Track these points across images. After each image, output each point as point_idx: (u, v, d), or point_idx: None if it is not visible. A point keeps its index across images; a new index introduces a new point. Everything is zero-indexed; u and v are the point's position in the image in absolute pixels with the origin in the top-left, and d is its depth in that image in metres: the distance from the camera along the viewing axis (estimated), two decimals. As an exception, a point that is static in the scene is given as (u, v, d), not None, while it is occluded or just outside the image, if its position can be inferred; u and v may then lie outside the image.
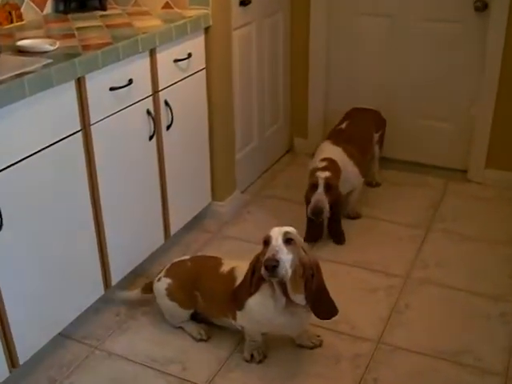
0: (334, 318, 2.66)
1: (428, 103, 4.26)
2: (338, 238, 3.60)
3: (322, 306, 2.58)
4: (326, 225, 3.61)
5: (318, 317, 2.59)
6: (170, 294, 2.82)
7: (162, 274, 2.89)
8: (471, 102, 4.10)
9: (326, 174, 3.44)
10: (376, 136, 3.99)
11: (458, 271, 3.31)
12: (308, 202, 3.46)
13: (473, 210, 3.91)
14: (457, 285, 3.20)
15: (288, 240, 2.47)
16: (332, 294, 3.07)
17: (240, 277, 2.64)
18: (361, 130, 3.76)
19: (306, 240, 3.52)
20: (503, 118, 4.02)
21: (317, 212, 3.40)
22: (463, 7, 3.93)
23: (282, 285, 2.48)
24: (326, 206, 3.41)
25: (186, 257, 2.98)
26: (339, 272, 3.31)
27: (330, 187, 3.43)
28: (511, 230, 3.68)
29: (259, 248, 3.48)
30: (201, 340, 2.83)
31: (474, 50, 3.99)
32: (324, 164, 3.50)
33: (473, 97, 4.09)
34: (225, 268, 2.76)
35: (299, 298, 2.51)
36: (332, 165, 3.51)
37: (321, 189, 3.41)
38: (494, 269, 3.33)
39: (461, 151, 4.28)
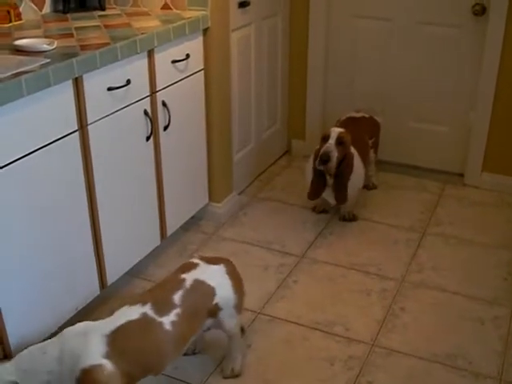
0: (328, 319, 2.67)
1: (426, 107, 4.27)
2: (341, 198, 3.63)
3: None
4: (331, 185, 3.63)
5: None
6: None
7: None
8: (471, 107, 4.11)
9: (341, 130, 3.55)
10: (370, 142, 3.99)
11: (453, 275, 3.31)
12: (317, 156, 3.52)
13: (469, 213, 3.92)
14: (452, 288, 3.20)
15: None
16: (327, 296, 3.10)
17: None
18: (356, 139, 3.71)
19: (309, 197, 3.68)
20: (500, 121, 4.03)
21: (325, 159, 3.45)
22: (462, 11, 3.93)
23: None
24: (335, 157, 3.46)
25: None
26: (335, 274, 3.32)
27: (341, 142, 3.50)
28: (507, 233, 3.69)
29: (255, 249, 3.52)
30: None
31: (472, 54, 4.00)
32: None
33: (470, 101, 4.10)
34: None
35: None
36: (346, 132, 3.59)
37: (332, 140, 3.48)
38: (489, 273, 3.33)
39: (458, 155, 4.29)
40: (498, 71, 3.92)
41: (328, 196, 3.68)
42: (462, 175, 4.30)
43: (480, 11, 3.86)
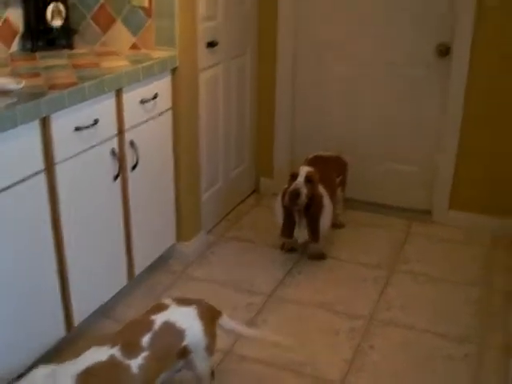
0: (297, 359, 2.67)
1: (392, 145, 4.31)
2: (313, 235, 3.64)
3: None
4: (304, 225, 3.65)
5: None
6: None
7: None
8: (437, 147, 4.15)
9: (309, 168, 3.59)
10: (338, 180, 4.01)
11: (422, 312, 3.32)
12: (285, 194, 3.55)
13: (437, 250, 3.94)
14: (421, 326, 3.21)
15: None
16: (296, 336, 3.08)
17: None
18: (324, 177, 3.74)
19: (282, 235, 3.71)
20: (466, 159, 4.08)
21: (294, 194, 3.47)
22: (426, 52, 4.00)
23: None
24: (304, 194, 3.48)
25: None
26: (303, 314, 3.31)
27: (310, 180, 3.53)
28: (475, 270, 3.72)
29: (224, 289, 3.50)
30: None
31: (437, 94, 4.06)
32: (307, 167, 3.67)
33: (437, 140, 4.15)
34: None
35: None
36: (315, 171, 3.62)
37: (301, 178, 3.51)
38: (458, 310, 3.35)
39: (425, 192, 4.32)
40: (463, 111, 3.98)
41: (297, 235, 3.69)
42: (429, 213, 4.33)
43: (444, 51, 3.93)
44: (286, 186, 3.59)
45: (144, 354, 2.31)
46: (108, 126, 2.93)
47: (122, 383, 2.26)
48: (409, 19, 4.00)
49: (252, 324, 3.20)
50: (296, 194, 3.47)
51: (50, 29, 3.38)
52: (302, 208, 3.54)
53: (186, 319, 2.48)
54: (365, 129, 4.34)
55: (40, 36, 3.40)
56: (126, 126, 3.05)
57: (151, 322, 2.42)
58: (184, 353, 2.45)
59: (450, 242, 4.05)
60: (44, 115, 2.50)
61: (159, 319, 2.44)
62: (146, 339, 2.35)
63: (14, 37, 3.36)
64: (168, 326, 2.43)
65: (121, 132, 3.02)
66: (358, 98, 4.30)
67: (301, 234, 3.68)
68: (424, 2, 3.94)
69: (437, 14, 3.92)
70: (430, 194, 4.30)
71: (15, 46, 3.38)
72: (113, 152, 2.97)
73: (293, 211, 3.59)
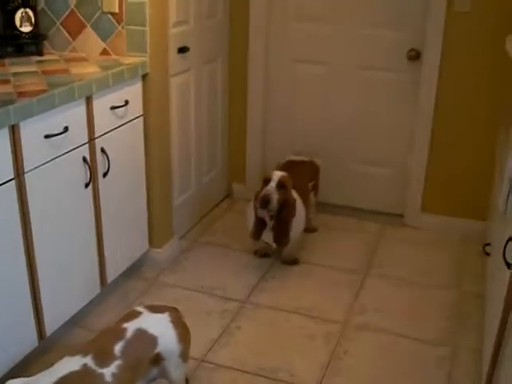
0: (272, 365, 2.65)
1: (365, 149, 4.33)
2: (281, 239, 3.63)
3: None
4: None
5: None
6: None
7: None
8: (409, 150, 4.18)
9: (282, 173, 3.58)
10: (310, 185, 4.02)
11: (396, 316, 3.33)
12: (257, 198, 3.54)
13: (410, 254, 3.96)
14: (395, 330, 3.22)
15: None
16: (271, 342, 3.07)
17: None
18: (296, 182, 3.73)
19: (253, 237, 3.68)
20: (437, 163, 4.11)
21: (265, 200, 3.47)
22: (397, 56, 4.02)
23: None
24: (275, 199, 3.48)
25: None
26: (278, 319, 3.30)
27: (282, 185, 3.53)
28: (447, 273, 3.74)
29: (197, 295, 3.48)
30: None
31: (408, 98, 4.09)
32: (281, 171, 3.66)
33: (409, 143, 4.17)
34: None
35: None
36: (288, 176, 3.61)
37: (273, 183, 3.51)
38: (431, 313, 3.36)
39: (397, 196, 4.34)
40: (433, 114, 4.01)
41: (269, 239, 3.68)
42: (401, 216, 4.35)
43: (415, 56, 3.95)
44: (259, 189, 3.58)
45: (117, 362, 2.29)
46: (78, 133, 2.90)
47: None
48: (381, 24, 4.02)
49: (227, 331, 3.19)
50: (267, 200, 3.46)
51: (19, 35, 3.35)
52: (275, 214, 3.54)
53: (159, 326, 2.47)
54: (338, 132, 4.35)
55: (9, 42, 3.36)
56: (97, 132, 3.02)
57: (123, 330, 2.40)
58: (157, 360, 2.44)
59: (423, 245, 4.07)
60: (13, 123, 2.47)
61: (131, 327, 2.42)
62: (118, 347, 2.33)
63: (-18, 43, 3.32)
64: (140, 333, 2.41)
65: (91, 139, 2.99)
66: (331, 103, 4.31)
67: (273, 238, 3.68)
68: (396, 8, 3.96)
69: (408, 19, 3.94)
70: (403, 197, 4.32)
71: (-17, 52, 3.35)
72: (84, 159, 2.94)
73: (265, 216, 3.58)
